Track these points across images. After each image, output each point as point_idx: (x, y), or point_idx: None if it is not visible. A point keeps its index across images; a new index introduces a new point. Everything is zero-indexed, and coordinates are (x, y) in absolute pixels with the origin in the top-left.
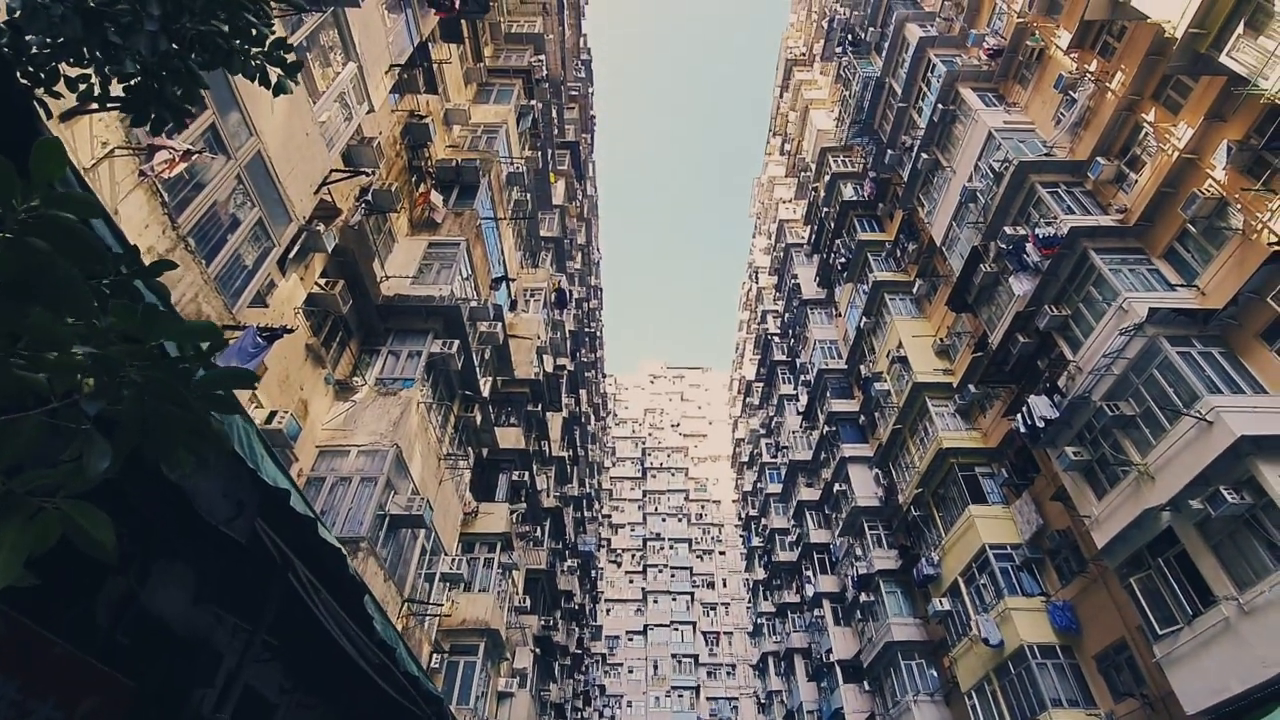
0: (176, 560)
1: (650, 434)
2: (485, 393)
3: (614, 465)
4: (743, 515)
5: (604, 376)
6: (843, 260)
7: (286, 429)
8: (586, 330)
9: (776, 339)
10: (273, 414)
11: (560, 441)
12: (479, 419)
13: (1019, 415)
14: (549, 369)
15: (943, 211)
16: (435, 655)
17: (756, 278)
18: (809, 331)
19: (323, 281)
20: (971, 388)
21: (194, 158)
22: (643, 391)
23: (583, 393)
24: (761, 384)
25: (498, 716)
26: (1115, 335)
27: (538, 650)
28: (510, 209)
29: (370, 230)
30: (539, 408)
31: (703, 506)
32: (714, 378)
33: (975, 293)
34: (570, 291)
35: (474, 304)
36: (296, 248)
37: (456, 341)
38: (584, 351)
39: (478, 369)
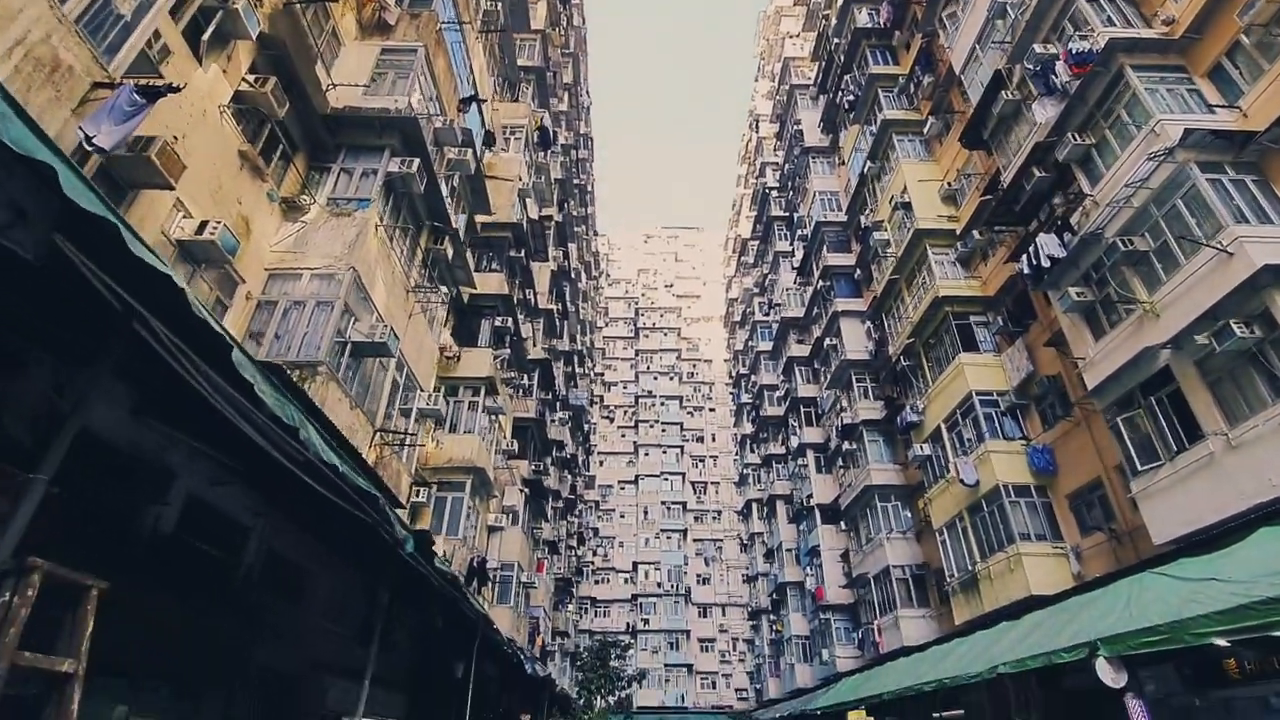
0: (103, 370)
1: (643, 294)
2: (457, 226)
3: (607, 325)
4: (733, 373)
5: (596, 234)
6: (851, 99)
7: (220, 240)
8: (576, 182)
9: (774, 193)
10: (204, 224)
11: (548, 294)
12: (450, 253)
13: (1024, 256)
14: (533, 215)
15: (966, 33)
16: (422, 490)
17: (757, 127)
18: (809, 182)
19: (251, 78)
20: (975, 234)
21: None
22: (636, 252)
23: (572, 247)
24: (757, 241)
25: (489, 548)
26: (1142, 161)
27: (527, 490)
28: (479, 18)
29: (309, 25)
30: (522, 254)
31: (694, 365)
32: (709, 238)
33: (992, 125)
34: (555, 132)
35: (438, 124)
36: (212, 28)
37: (417, 160)
38: (573, 204)
39: (447, 199)
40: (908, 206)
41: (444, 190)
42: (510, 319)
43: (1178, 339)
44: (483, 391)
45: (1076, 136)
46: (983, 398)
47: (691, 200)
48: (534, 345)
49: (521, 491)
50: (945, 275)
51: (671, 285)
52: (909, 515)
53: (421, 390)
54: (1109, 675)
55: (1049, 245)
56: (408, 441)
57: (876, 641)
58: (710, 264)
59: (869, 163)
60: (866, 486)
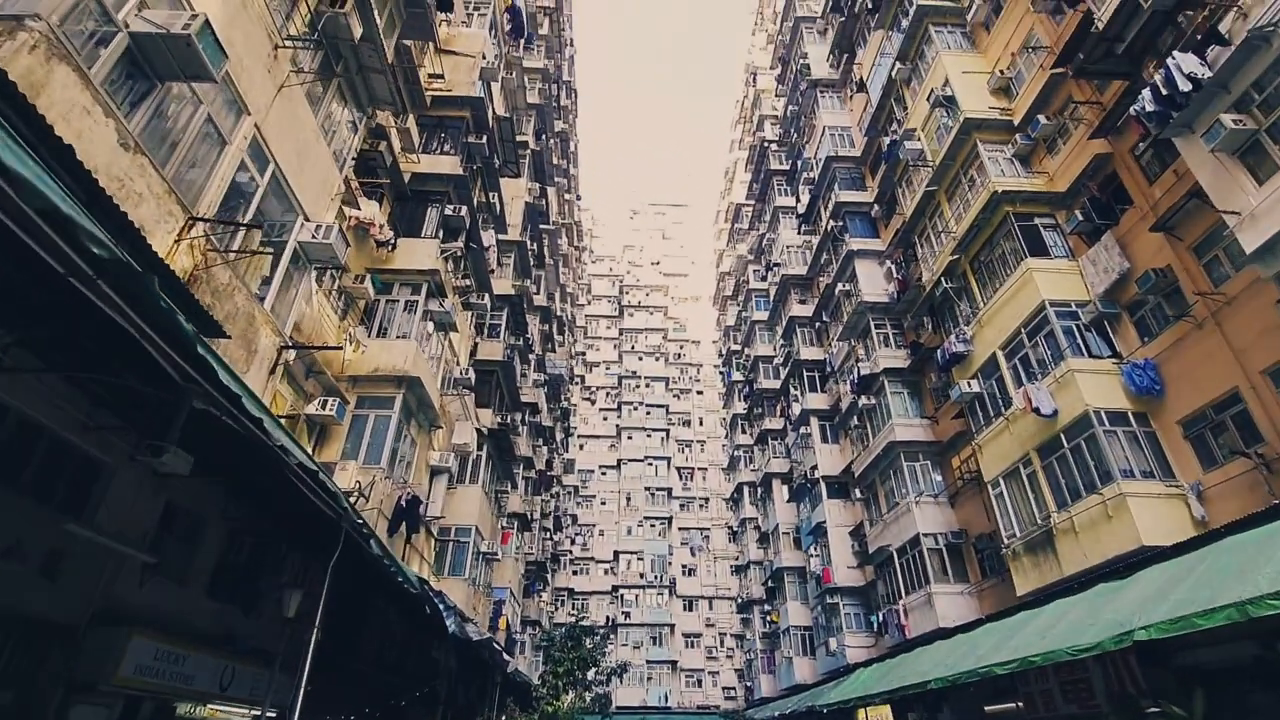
0: None
1: (629, 271)
2: None
3: (590, 302)
4: (724, 351)
5: (579, 199)
6: None
7: None
8: (556, 124)
9: (774, 147)
10: None
11: (521, 227)
12: (357, 33)
13: (1144, 94)
14: (500, 110)
15: None
16: (330, 401)
17: (754, 81)
18: (817, 119)
19: None
20: (1042, 118)
21: None
22: (621, 229)
23: (551, 193)
24: (754, 202)
25: (431, 494)
26: None
27: (489, 444)
28: None
29: None
30: (484, 142)
31: (681, 346)
32: (697, 216)
33: None
34: (531, 34)
35: None
36: None
37: None
38: (552, 143)
39: None
40: (950, 101)
41: None
42: (465, 209)
43: None
44: (425, 291)
45: None
46: (1059, 309)
47: (679, 185)
48: (501, 271)
49: (479, 432)
50: (1001, 173)
51: (658, 263)
52: (939, 479)
53: (305, 220)
54: None
55: (1187, 65)
56: (250, 246)
57: (902, 625)
58: (699, 243)
59: (897, 66)
60: (890, 444)
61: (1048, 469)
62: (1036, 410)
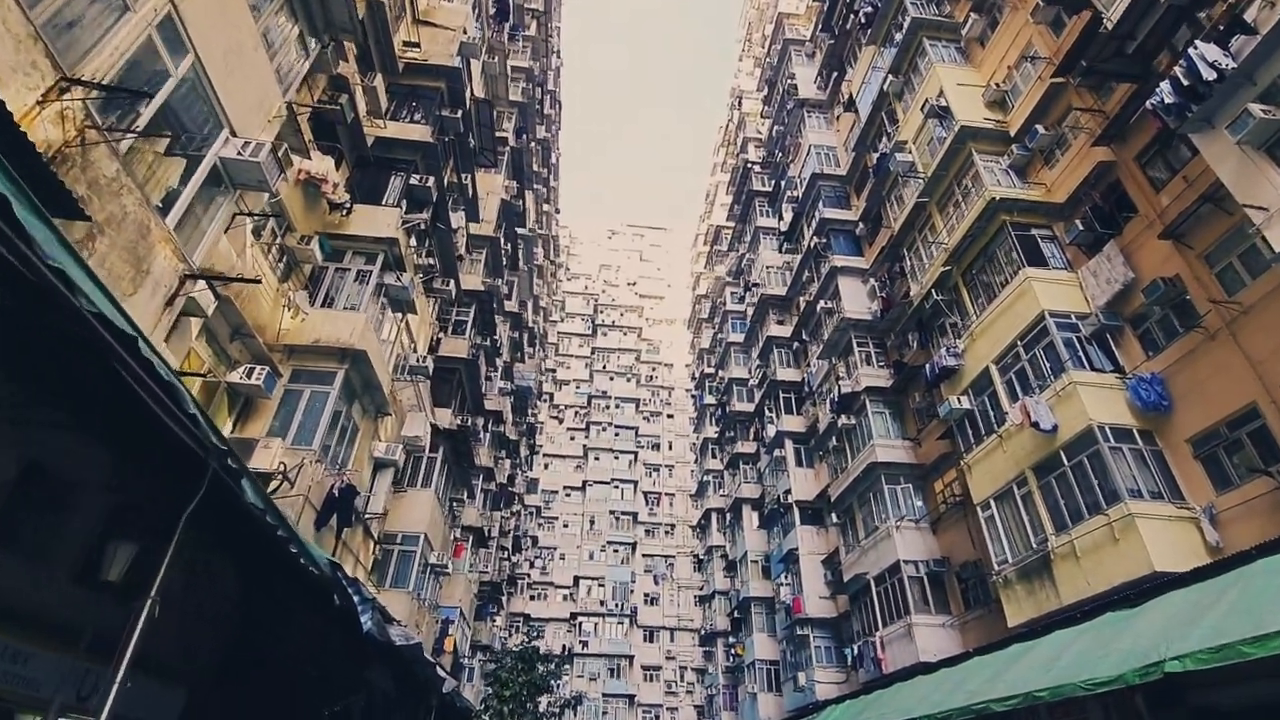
0: None
1: (604, 290)
2: None
3: (563, 320)
4: (697, 374)
5: (558, 212)
6: (868, 10)
7: None
8: (537, 132)
9: (757, 169)
10: None
11: (496, 224)
12: None
13: (1163, 86)
14: (479, 93)
15: None
16: (258, 370)
17: (740, 104)
18: (803, 138)
19: None
20: (1040, 129)
21: None
22: (599, 248)
23: (529, 196)
24: (734, 224)
25: (374, 488)
26: None
27: (441, 428)
28: None
29: None
30: (458, 117)
31: (654, 369)
32: (675, 240)
33: None
34: (518, 24)
35: None
36: None
37: None
38: (533, 148)
39: None
40: (944, 111)
41: None
42: (433, 181)
43: None
44: (381, 262)
45: None
46: (1059, 320)
47: (658, 209)
48: (471, 265)
49: (435, 429)
50: (997, 183)
51: (634, 284)
52: (920, 504)
53: (232, 135)
54: None
55: (1210, 54)
56: (177, 187)
57: (878, 658)
58: (676, 267)
59: (889, 79)
60: (870, 465)
61: (1045, 489)
62: (1035, 425)
